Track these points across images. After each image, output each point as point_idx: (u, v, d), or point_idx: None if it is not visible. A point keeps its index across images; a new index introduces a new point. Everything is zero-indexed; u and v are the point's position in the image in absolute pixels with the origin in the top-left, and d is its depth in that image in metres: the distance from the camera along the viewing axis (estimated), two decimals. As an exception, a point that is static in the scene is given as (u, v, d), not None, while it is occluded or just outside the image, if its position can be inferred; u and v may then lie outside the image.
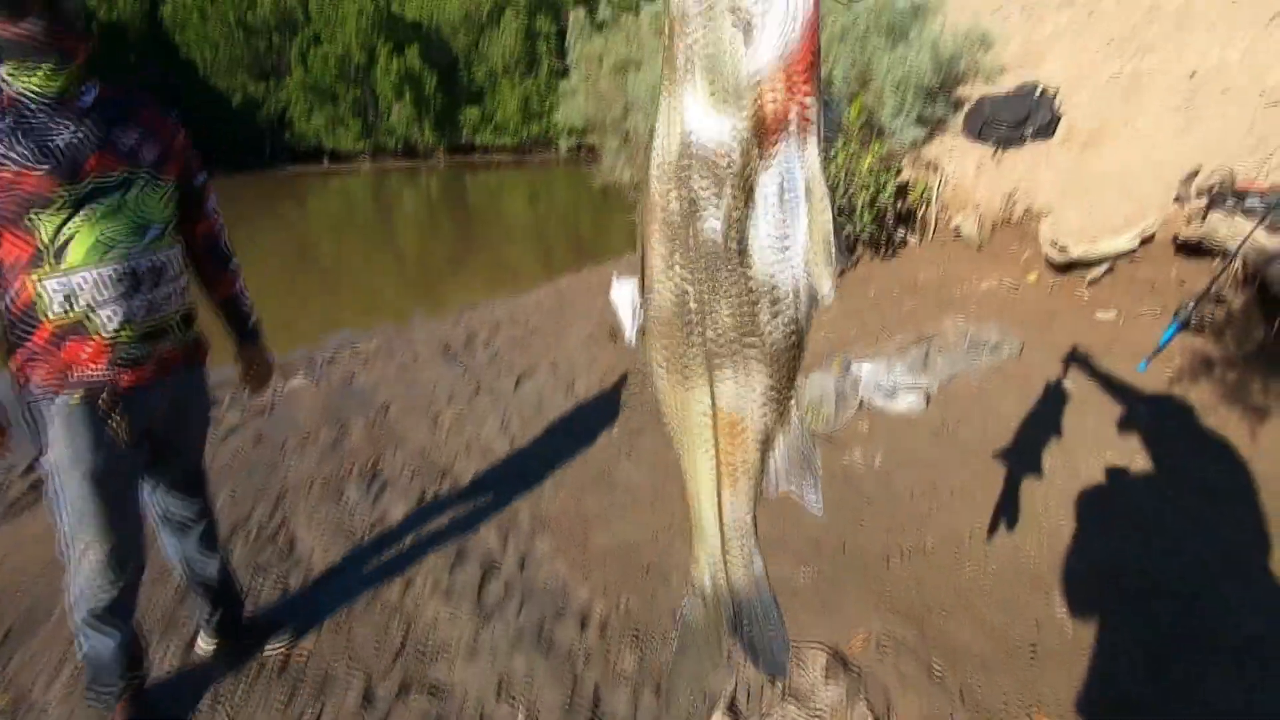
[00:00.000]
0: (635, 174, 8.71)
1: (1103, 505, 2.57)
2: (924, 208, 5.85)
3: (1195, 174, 3.98)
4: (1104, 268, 4.34)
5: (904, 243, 5.96)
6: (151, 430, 1.72)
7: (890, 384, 3.50)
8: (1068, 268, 4.55)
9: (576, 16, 8.95)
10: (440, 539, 2.77)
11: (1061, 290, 4.55)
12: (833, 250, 0.73)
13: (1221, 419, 3.08)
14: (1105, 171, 4.85)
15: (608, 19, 8.75)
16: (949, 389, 3.59)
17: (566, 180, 25.37)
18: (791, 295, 0.77)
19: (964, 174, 5.72)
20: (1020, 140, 5.57)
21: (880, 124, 5.90)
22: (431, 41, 40.90)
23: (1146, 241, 4.20)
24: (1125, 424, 3.06)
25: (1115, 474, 2.75)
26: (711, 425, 0.86)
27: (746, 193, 0.70)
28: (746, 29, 0.65)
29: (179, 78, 37.35)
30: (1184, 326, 3.49)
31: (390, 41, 37.91)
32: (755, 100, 0.67)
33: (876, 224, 5.65)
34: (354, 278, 10.33)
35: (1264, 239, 3.44)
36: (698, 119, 0.69)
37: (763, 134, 0.68)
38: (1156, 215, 4.18)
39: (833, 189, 5.31)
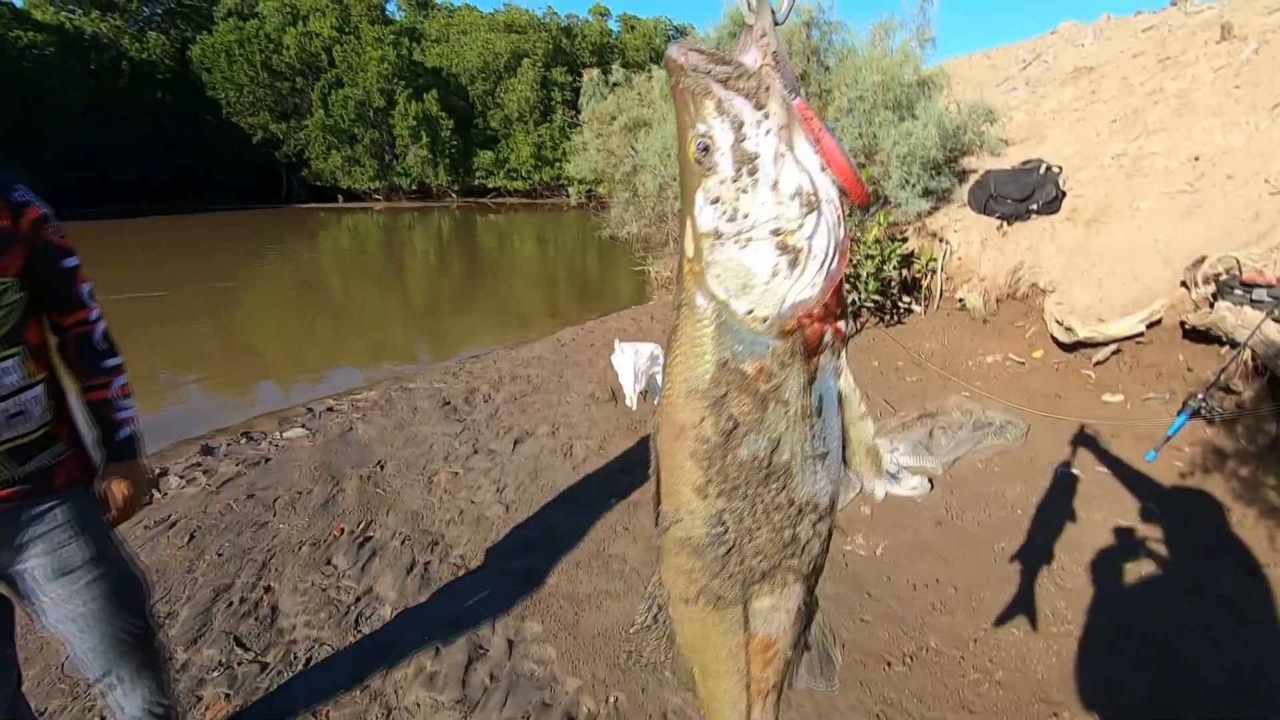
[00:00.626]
0: (642, 228, 8.82)
1: (1114, 613, 2.48)
2: (929, 278, 5.87)
3: (1202, 261, 3.99)
4: (1111, 349, 4.31)
5: (909, 311, 5.97)
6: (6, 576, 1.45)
7: (894, 465, 3.44)
8: (1074, 347, 4.53)
9: (590, 76, 9.20)
10: (427, 616, 2.69)
11: (1068, 369, 4.52)
12: (880, 457, 0.73)
13: (1237, 518, 3.00)
14: (1110, 250, 4.87)
15: (620, 80, 8.99)
16: (954, 471, 3.52)
17: (576, 225, 25.71)
18: (830, 506, 0.75)
19: (969, 246, 5.76)
20: (1025, 215, 5.62)
21: (886, 195, 5.97)
22: (449, 88, 42.15)
23: (1153, 325, 4.18)
24: (1136, 520, 2.98)
25: (1126, 576, 2.66)
26: (744, 650, 0.81)
27: (788, 411, 0.68)
28: (793, 257, 0.64)
29: (203, 116, 38.48)
30: (1193, 416, 3.46)
31: (409, 87, 39.08)
32: (796, 323, 0.65)
33: (881, 293, 5.67)
34: (361, 314, 10.37)
35: (1273, 332, 3.41)
36: (734, 342, 0.67)
37: (803, 354, 0.67)
38: (1163, 299, 4.17)
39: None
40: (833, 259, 0.64)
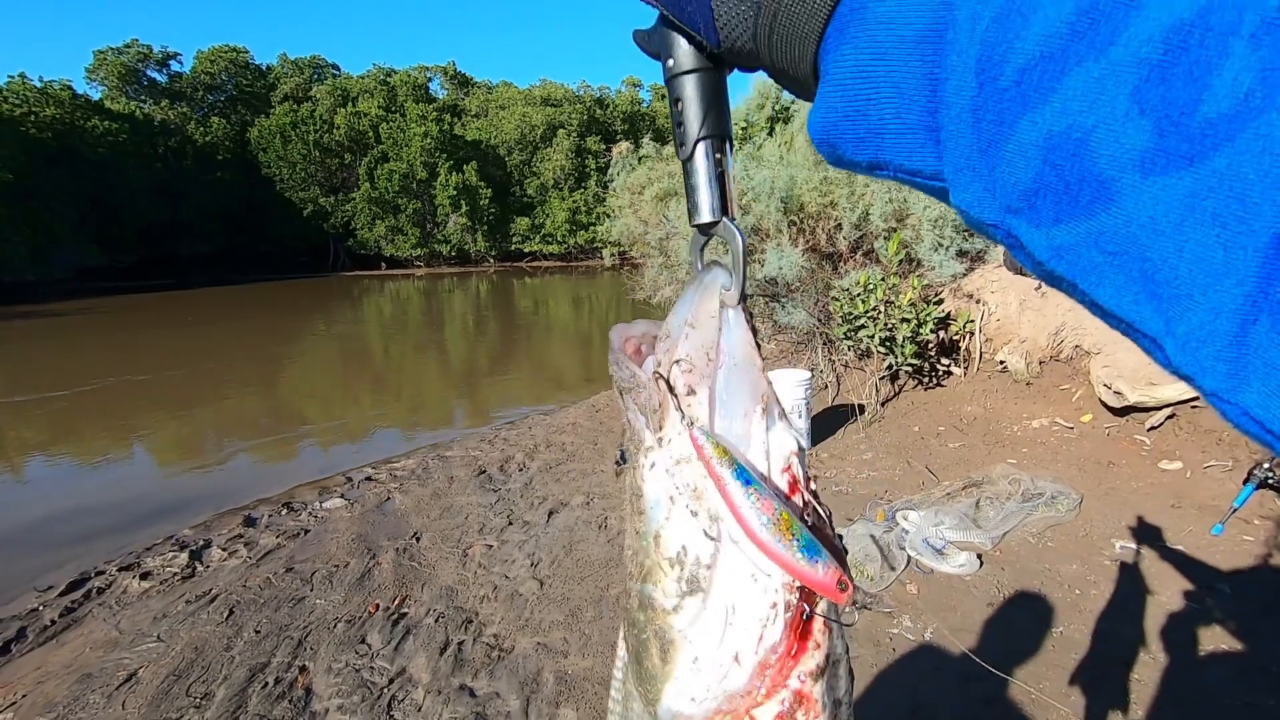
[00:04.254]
0: (676, 292, 8.94)
1: (1188, 709, 2.30)
2: (967, 339, 5.78)
3: (1254, 322, 3.85)
4: (1165, 414, 4.14)
5: (948, 373, 5.86)
6: None
7: (940, 539, 3.31)
8: (1125, 411, 4.36)
9: (620, 151, 9.53)
10: (460, 700, 2.63)
11: (1120, 435, 4.35)
12: None
13: (1315, 600, 2.79)
14: (1156, 311, 4.74)
15: (650, 152, 9.29)
16: (1003, 546, 3.37)
17: (610, 286, 26.18)
18: None
19: (1007, 308, 5.67)
20: (1064, 275, 5.54)
21: (919, 257, 5.96)
22: (488, 159, 44.14)
23: (1208, 389, 4.02)
24: (1206, 604, 2.79)
25: (1199, 666, 2.48)
26: None
27: None
28: (662, 647, 0.47)
29: (258, 192, 40.98)
30: (1260, 487, 3.26)
31: (450, 159, 41.06)
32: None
33: (919, 355, 5.59)
34: (401, 378, 10.61)
35: (1339, 397, 3.24)
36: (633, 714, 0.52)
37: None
38: (1216, 362, 4.02)
39: (873, 319, 5.34)
40: (734, 675, 0.44)
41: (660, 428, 0.47)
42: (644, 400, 0.48)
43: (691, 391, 0.46)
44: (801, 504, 0.46)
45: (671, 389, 0.46)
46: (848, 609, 0.46)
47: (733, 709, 0.45)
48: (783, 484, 0.45)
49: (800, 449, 0.47)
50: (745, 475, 0.43)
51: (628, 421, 0.50)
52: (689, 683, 0.45)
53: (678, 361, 0.47)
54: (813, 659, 0.45)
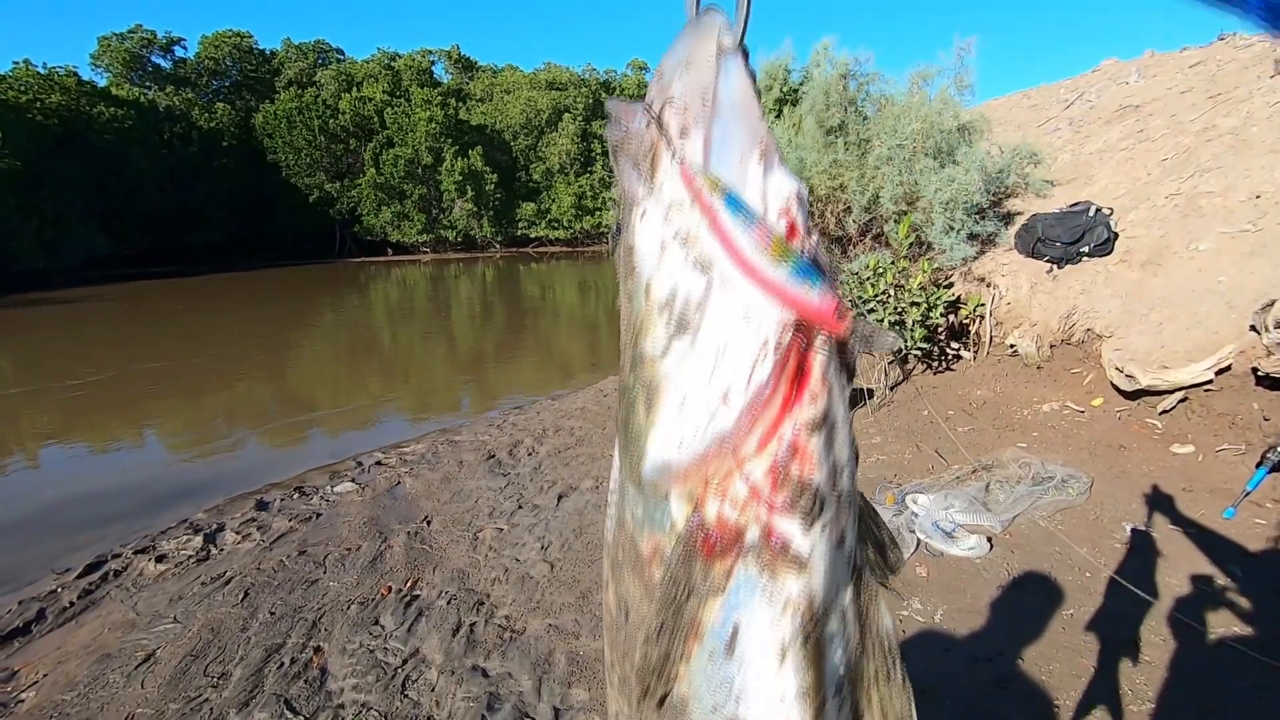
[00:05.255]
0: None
1: (1199, 690, 2.30)
2: (977, 323, 5.74)
3: (1272, 304, 3.80)
4: (1177, 398, 4.11)
5: (958, 357, 5.83)
6: None
7: (949, 522, 3.31)
8: (1137, 395, 4.33)
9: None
10: (473, 681, 2.66)
11: (1131, 419, 4.32)
12: None
13: (1329, 582, 2.78)
14: (1169, 293, 4.70)
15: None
16: (1013, 529, 3.37)
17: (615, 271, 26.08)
18: None
19: (1018, 291, 5.63)
20: (1075, 258, 5.49)
21: (929, 240, 5.91)
22: (494, 144, 43.90)
23: (1223, 372, 3.98)
24: (1217, 586, 2.79)
25: (1210, 648, 2.48)
26: None
27: (682, 629, 0.46)
28: (648, 393, 0.46)
29: (264, 178, 40.95)
30: (1274, 470, 3.24)
31: (456, 144, 40.86)
32: (684, 488, 0.45)
33: (928, 339, 5.56)
34: (409, 363, 10.65)
35: (1356, 380, 3.21)
36: (631, 500, 0.49)
37: (702, 548, 0.45)
38: (1232, 345, 3.98)
39: (882, 303, 5.32)
40: (722, 415, 0.43)
41: (653, 174, 0.45)
42: (635, 150, 0.45)
43: (685, 133, 0.44)
44: (800, 248, 0.44)
45: (662, 128, 0.44)
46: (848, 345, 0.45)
47: (722, 456, 0.43)
48: (781, 228, 0.44)
49: (801, 195, 0.45)
50: (737, 203, 0.42)
51: (622, 189, 0.48)
52: (676, 426, 0.45)
53: (670, 100, 0.44)
54: (809, 410, 0.44)
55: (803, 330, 0.43)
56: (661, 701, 0.48)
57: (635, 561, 0.48)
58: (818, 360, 0.44)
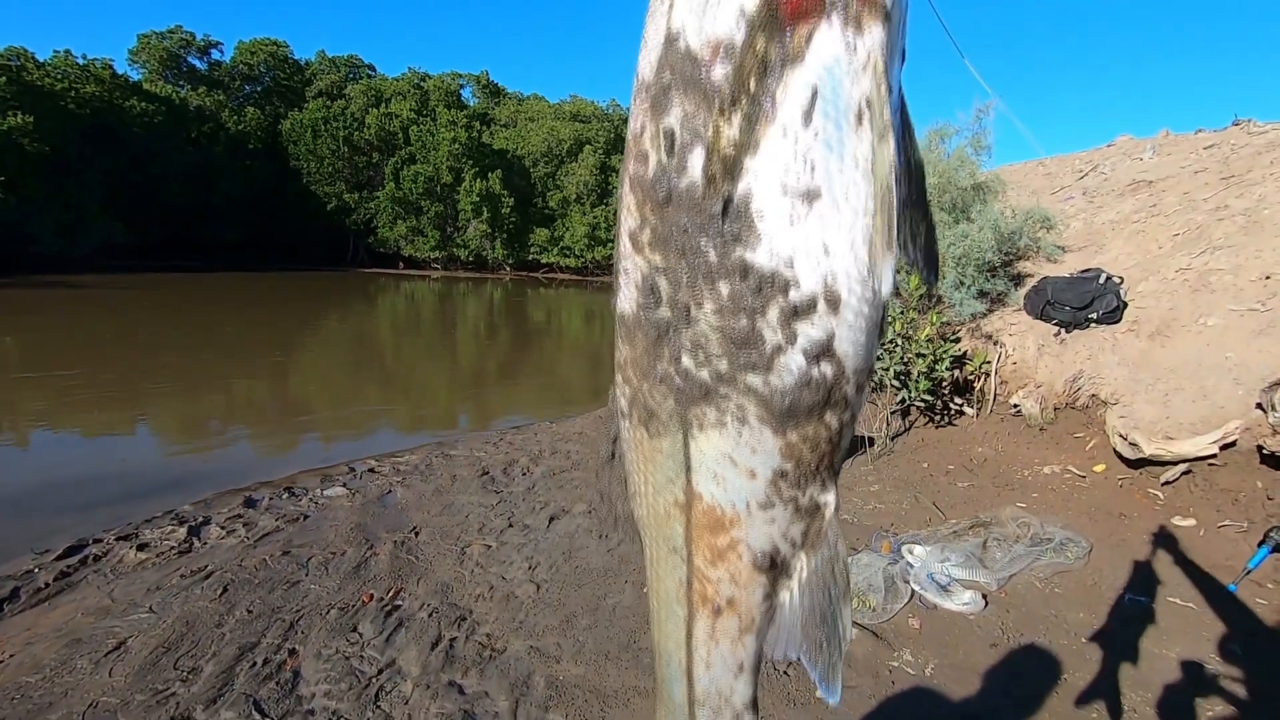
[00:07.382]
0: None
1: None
2: (982, 380, 5.74)
3: (1279, 384, 3.80)
4: (1181, 469, 4.08)
5: (960, 413, 5.81)
6: None
7: (945, 576, 3.26)
8: (1140, 463, 4.30)
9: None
10: (449, 697, 2.59)
11: (1133, 487, 4.28)
12: (893, 217, 0.43)
13: (1330, 669, 2.71)
14: (1176, 365, 4.70)
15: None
16: (1009, 588, 3.31)
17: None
18: (821, 297, 0.45)
19: (1025, 351, 5.63)
20: (1084, 324, 5.51)
21: (939, 294, 5.94)
22: (513, 168, 44.57)
23: (1227, 447, 3.96)
24: (1217, 660, 2.72)
25: (1208, 725, 2.41)
26: (684, 515, 0.53)
27: (747, 116, 0.42)
28: None
29: (286, 184, 41.54)
30: (1275, 550, 3.20)
31: (476, 166, 41.50)
32: None
33: (932, 393, 5.55)
34: (409, 376, 10.62)
35: (1363, 464, 3.19)
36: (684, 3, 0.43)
37: (783, 15, 0.40)
38: (1237, 421, 3.96)
39: (889, 352, 5.32)
40: None
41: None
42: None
43: None
44: None
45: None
46: None
47: None
48: None
49: None
50: None
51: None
52: None
53: None
54: None
55: None
56: (731, 211, 0.44)
57: (691, 68, 0.45)
58: None
